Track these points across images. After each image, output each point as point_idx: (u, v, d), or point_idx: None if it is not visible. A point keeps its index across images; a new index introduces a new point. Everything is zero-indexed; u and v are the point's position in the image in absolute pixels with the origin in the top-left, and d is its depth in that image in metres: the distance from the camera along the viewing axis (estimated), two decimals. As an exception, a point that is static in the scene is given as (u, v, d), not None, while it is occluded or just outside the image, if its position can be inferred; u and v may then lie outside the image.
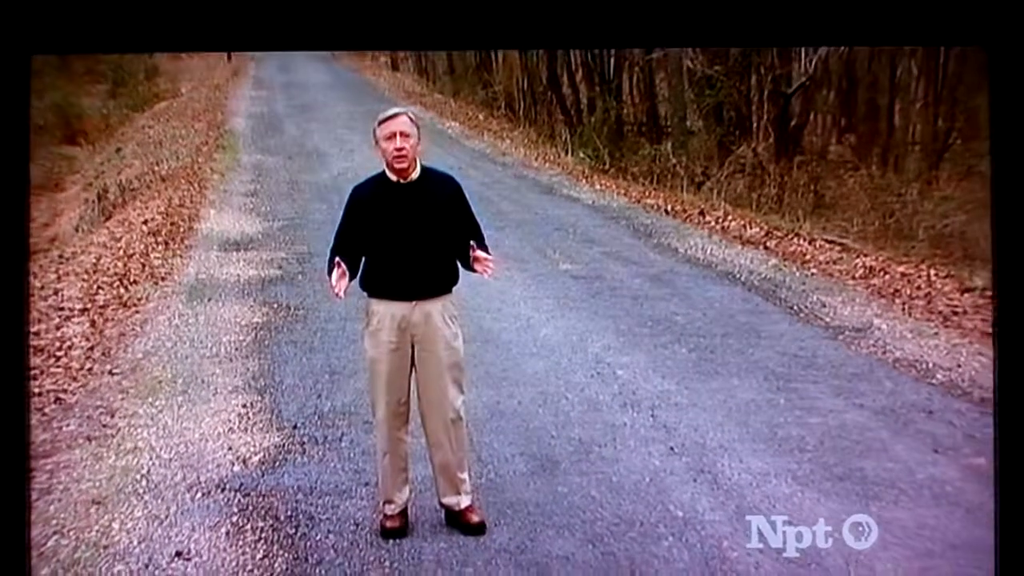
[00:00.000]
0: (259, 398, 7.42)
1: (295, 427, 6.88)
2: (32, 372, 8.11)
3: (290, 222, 13.73)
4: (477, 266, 5.34)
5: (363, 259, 5.38)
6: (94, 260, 12.27)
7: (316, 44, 3.60)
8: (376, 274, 5.35)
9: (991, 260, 3.54)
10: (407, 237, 5.31)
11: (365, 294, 5.40)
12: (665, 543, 5.29)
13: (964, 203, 16.73)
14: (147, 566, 5.15)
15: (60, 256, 13.64)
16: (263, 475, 6.18)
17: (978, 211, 16.38)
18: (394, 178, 5.31)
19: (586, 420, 6.96)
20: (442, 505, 5.48)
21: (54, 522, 5.61)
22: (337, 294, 5.23)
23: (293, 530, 5.48)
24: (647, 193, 17.04)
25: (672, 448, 6.49)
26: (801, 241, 13.02)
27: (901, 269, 11.44)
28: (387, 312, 5.32)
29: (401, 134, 5.22)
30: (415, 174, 5.32)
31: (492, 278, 5.50)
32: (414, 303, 5.32)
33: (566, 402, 7.29)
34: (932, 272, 11.29)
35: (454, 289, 5.45)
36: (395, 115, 5.28)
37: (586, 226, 13.72)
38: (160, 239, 12.86)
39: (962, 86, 20.89)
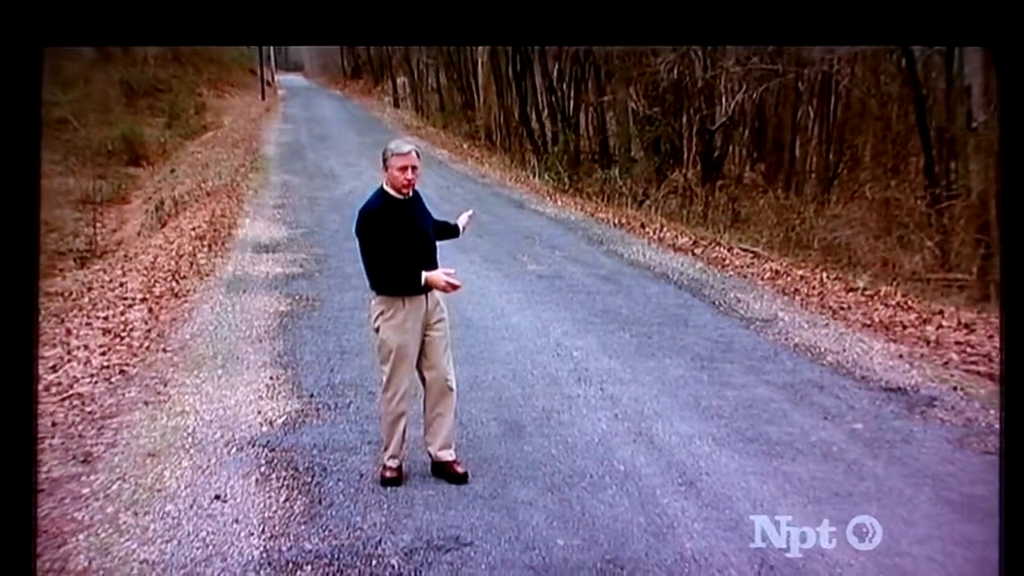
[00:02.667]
0: (283, 372, 7.38)
1: (312, 396, 6.85)
2: (102, 349, 8.06)
3: (309, 230, 13.66)
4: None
5: (383, 265, 5.33)
6: (152, 259, 12.20)
7: (316, 38, 3.40)
8: (401, 275, 5.30)
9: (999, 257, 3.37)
10: (422, 240, 5.32)
11: (374, 292, 5.36)
12: (610, 491, 5.29)
13: (849, 220, 16.84)
14: (192, 506, 5.12)
15: (125, 256, 13.56)
16: (286, 434, 6.15)
17: (860, 227, 16.49)
18: (397, 195, 5.30)
19: (548, 392, 6.94)
20: (434, 458, 5.46)
21: (118, 470, 5.57)
22: (455, 286, 5.32)
23: (310, 479, 5.45)
24: (599, 209, 17.04)
25: (616, 415, 6.48)
26: (721, 249, 13.05)
27: (800, 272, 11.48)
28: (411, 305, 5.30)
29: (412, 167, 5.25)
30: (412, 192, 5.35)
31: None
32: (428, 293, 5.33)
33: (531, 377, 7.27)
34: (824, 275, 11.35)
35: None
36: (408, 151, 5.29)
37: (549, 235, 13.71)
38: (205, 243, 12.78)
39: (847, 127, 21.03)
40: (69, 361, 7.74)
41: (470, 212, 5.82)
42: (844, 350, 8.10)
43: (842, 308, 9.68)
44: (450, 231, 5.70)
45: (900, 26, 3.36)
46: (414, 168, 5.28)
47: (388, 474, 5.39)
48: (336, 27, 3.34)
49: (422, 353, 5.39)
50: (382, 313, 5.32)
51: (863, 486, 5.41)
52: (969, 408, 6.71)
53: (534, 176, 21.28)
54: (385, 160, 5.30)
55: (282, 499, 5.21)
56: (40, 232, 3.15)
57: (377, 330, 5.36)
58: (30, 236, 3.11)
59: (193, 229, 14.02)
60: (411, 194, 5.34)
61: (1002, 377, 3.39)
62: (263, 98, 40.43)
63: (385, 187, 5.32)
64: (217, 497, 5.23)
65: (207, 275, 10.91)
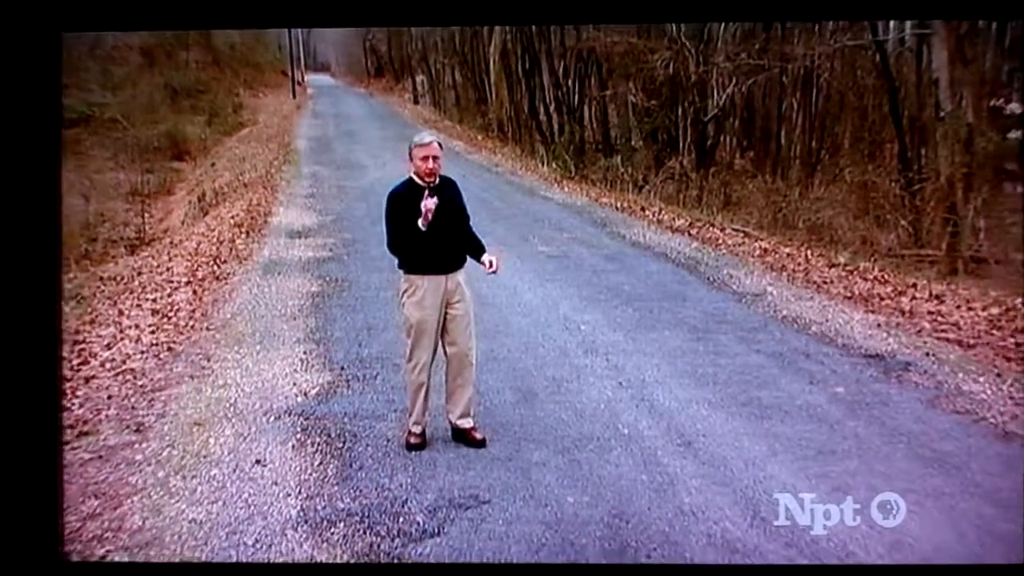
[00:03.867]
0: (315, 347, 7.38)
1: (342, 368, 6.84)
2: (151, 328, 8.06)
3: (338, 217, 13.61)
4: (487, 268, 5.41)
5: (401, 244, 5.32)
6: (195, 245, 12.20)
7: (333, 21, 3.28)
8: (419, 255, 5.29)
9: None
10: (440, 225, 5.28)
11: (401, 271, 5.36)
12: (615, 452, 5.29)
13: (831, 202, 16.74)
14: (235, 470, 5.14)
15: (171, 243, 13.56)
16: (319, 404, 6.15)
17: (840, 208, 16.40)
18: (422, 183, 5.30)
19: (558, 363, 6.93)
20: (454, 425, 5.46)
21: (167, 438, 5.59)
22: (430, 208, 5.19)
23: (341, 444, 5.46)
24: (602, 194, 16.95)
25: (620, 383, 6.47)
26: (715, 230, 12.98)
27: (787, 250, 11.41)
28: (430, 284, 5.29)
29: (433, 157, 5.27)
30: (436, 180, 5.33)
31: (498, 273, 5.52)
32: (447, 275, 5.31)
33: (543, 350, 7.25)
34: (808, 252, 11.28)
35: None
36: (430, 142, 5.29)
37: (557, 218, 13.64)
38: (243, 230, 12.77)
39: (828, 117, 20.89)
40: (122, 339, 7.75)
41: (494, 261, 5.44)
42: (827, 320, 8.05)
43: (825, 282, 9.62)
44: (476, 249, 5.49)
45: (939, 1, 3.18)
46: (435, 157, 5.29)
47: (412, 439, 5.39)
48: (350, 9, 3.24)
49: (444, 329, 5.39)
50: (406, 291, 5.33)
51: (845, 444, 5.40)
52: (940, 372, 6.67)
53: (543, 164, 21.16)
54: (410, 151, 5.32)
55: (316, 463, 5.22)
56: (61, 208, 3.08)
57: (403, 306, 5.37)
58: (52, 214, 3.03)
59: (232, 217, 14.00)
60: (436, 182, 5.33)
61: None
62: (294, 96, 40.28)
63: (412, 176, 5.33)
64: (258, 462, 5.24)
65: (245, 259, 10.90)
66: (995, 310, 8.29)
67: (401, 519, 4.58)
